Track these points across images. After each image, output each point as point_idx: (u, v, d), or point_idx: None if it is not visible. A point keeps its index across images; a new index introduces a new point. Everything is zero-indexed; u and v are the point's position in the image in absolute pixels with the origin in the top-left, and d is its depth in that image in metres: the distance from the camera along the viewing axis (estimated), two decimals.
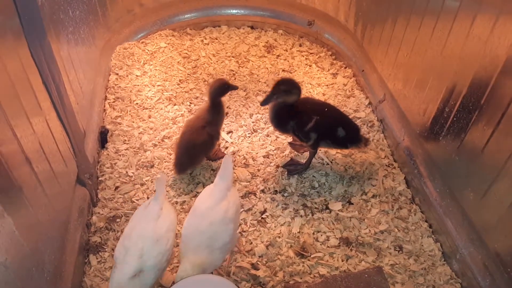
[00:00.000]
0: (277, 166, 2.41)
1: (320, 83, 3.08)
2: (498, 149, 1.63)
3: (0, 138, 1.28)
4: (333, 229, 2.09)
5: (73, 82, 2.17)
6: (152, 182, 2.30)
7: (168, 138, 2.57)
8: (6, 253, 1.22)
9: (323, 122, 2.17)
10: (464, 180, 1.87)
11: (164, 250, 1.61)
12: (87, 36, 2.68)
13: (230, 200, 1.72)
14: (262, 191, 2.28)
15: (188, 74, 3.12)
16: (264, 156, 2.47)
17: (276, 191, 2.28)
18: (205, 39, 3.52)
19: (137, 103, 2.82)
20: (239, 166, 2.41)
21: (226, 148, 2.53)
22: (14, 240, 1.29)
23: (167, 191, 2.24)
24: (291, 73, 3.19)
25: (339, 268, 1.92)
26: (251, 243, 2.02)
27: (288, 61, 3.31)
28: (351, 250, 2.00)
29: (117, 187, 2.27)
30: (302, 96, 2.16)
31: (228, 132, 2.62)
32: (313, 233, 2.07)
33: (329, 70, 3.22)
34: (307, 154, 2.43)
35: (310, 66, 3.26)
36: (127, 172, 2.35)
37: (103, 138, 2.50)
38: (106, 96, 2.86)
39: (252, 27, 3.69)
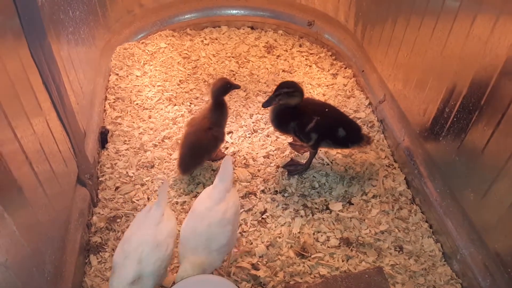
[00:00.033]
0: (277, 167, 2.41)
1: (320, 83, 3.08)
2: (498, 149, 1.63)
3: (0, 139, 1.28)
4: (334, 229, 2.09)
5: (73, 82, 2.18)
6: (152, 182, 2.30)
7: (168, 138, 2.57)
8: (6, 253, 1.22)
9: (324, 123, 2.17)
10: (464, 180, 1.87)
11: (163, 256, 1.60)
12: (87, 36, 2.68)
13: (229, 201, 1.71)
14: (263, 191, 2.28)
15: (188, 74, 3.12)
16: (264, 157, 2.47)
17: (276, 191, 2.28)
18: (205, 39, 3.52)
19: (137, 104, 2.82)
20: (240, 166, 2.41)
21: (227, 148, 2.53)
22: (14, 241, 1.29)
23: (167, 191, 2.24)
24: (291, 73, 3.19)
25: (340, 269, 1.92)
26: (252, 243, 2.02)
27: (288, 61, 3.31)
28: (351, 250, 2.00)
29: (117, 188, 2.27)
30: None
31: (229, 133, 2.62)
32: (314, 234, 2.07)
33: (329, 70, 3.22)
34: (307, 154, 2.43)
35: (310, 66, 3.26)
36: (127, 172, 2.35)
37: (103, 138, 2.50)
38: (106, 97, 2.86)
39: (252, 28, 3.69)
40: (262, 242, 2.02)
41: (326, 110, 2.25)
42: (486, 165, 1.71)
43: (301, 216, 2.15)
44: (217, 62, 3.28)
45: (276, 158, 2.48)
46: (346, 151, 2.48)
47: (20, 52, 1.58)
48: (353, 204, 2.22)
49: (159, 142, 2.54)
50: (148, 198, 2.22)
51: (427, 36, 2.11)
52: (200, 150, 2.24)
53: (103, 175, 2.32)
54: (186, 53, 3.33)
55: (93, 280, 1.86)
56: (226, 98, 2.30)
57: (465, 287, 1.87)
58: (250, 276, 1.88)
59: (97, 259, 1.95)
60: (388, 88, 2.62)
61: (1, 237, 1.21)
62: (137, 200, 2.21)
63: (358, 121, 2.70)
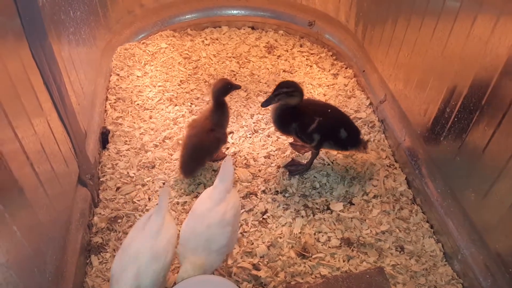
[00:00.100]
0: (278, 167, 2.41)
1: (321, 83, 3.08)
2: (499, 150, 1.63)
3: (1, 139, 1.28)
4: (334, 229, 2.09)
5: (74, 82, 2.18)
6: (153, 182, 2.30)
7: (169, 138, 2.58)
8: (7, 254, 1.22)
9: (326, 123, 2.17)
10: (465, 181, 1.87)
11: (161, 267, 1.57)
12: (88, 36, 2.68)
13: (229, 202, 1.71)
14: (263, 191, 2.28)
15: (189, 74, 3.12)
16: (265, 157, 2.47)
17: (277, 191, 2.28)
18: (206, 39, 3.53)
19: (138, 104, 2.82)
20: (240, 166, 2.41)
21: (227, 148, 2.53)
22: (15, 241, 1.29)
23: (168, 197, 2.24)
24: (291, 73, 3.19)
25: (341, 269, 1.92)
26: (253, 243, 2.02)
27: (288, 61, 3.31)
28: (352, 250, 2.00)
29: (118, 188, 2.27)
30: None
31: (229, 133, 2.62)
32: (314, 234, 2.07)
33: (330, 70, 3.22)
34: (308, 154, 2.43)
35: (310, 66, 3.26)
36: (128, 172, 2.35)
37: (104, 138, 2.50)
38: (107, 97, 2.86)
39: (252, 28, 3.69)
40: (263, 243, 2.02)
41: (329, 110, 2.25)
42: (487, 165, 1.71)
43: (302, 216, 2.15)
44: (217, 62, 3.28)
45: (277, 158, 2.48)
46: (346, 152, 2.48)
47: (21, 53, 1.58)
48: (354, 204, 2.22)
49: (160, 143, 2.54)
50: (149, 199, 2.23)
51: (428, 36, 2.11)
52: (203, 152, 2.24)
53: (104, 176, 2.33)
54: (187, 53, 3.33)
55: (94, 281, 1.86)
56: (227, 98, 2.30)
57: (466, 287, 1.87)
58: (251, 277, 1.88)
59: (98, 259, 1.95)
60: (389, 88, 2.62)
61: (2, 237, 1.21)
62: (138, 200, 2.21)
63: (359, 121, 2.71)
